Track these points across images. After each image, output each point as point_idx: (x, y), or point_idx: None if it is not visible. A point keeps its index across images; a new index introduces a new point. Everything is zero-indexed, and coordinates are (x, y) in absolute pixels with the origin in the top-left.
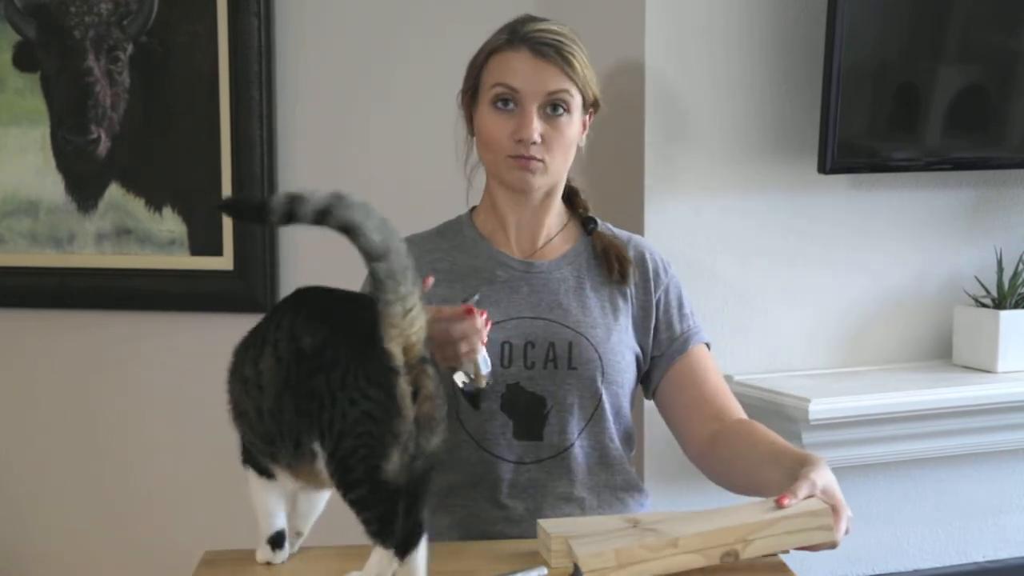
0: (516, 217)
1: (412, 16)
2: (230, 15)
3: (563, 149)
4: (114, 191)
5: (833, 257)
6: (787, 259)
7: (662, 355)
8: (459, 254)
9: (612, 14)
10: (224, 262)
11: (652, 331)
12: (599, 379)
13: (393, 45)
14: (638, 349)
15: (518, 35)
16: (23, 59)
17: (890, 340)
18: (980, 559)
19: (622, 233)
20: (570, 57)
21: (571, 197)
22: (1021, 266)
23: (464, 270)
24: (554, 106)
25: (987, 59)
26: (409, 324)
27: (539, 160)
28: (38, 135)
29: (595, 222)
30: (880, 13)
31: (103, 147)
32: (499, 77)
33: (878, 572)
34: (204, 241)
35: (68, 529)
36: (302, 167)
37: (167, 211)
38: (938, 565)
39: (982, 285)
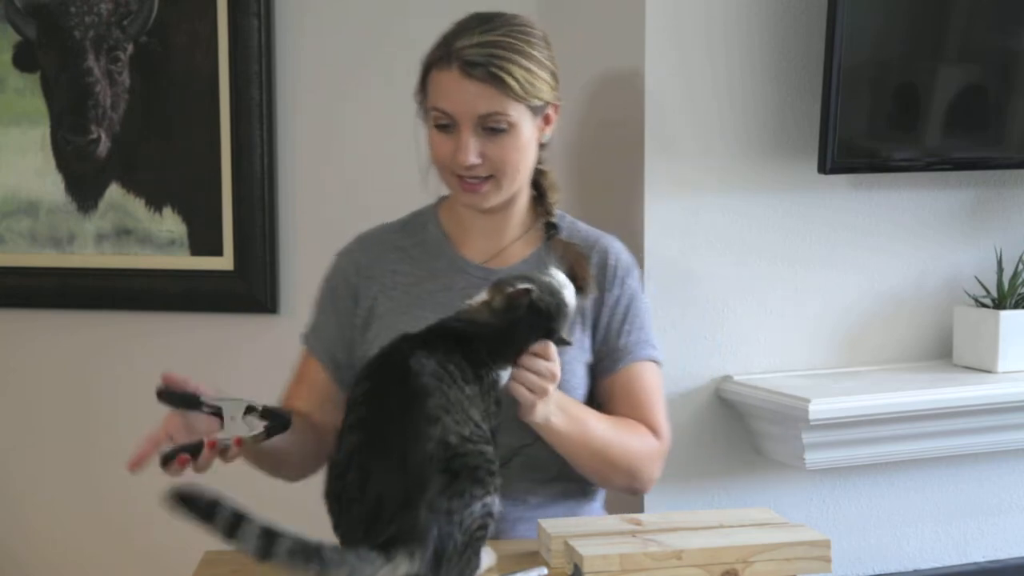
0: (476, 224)
1: (412, 16)
2: (230, 15)
3: (511, 162)
4: (114, 191)
5: (833, 257)
6: (787, 259)
7: (597, 364)
8: (421, 252)
9: (612, 13)
10: (224, 262)
11: (594, 336)
12: None
13: (393, 45)
14: (590, 357)
15: (450, 51)
16: (23, 59)
17: (890, 340)
18: (980, 559)
19: (591, 233)
20: (502, 75)
21: (540, 196)
22: (1021, 266)
23: (423, 275)
24: (492, 127)
25: (987, 59)
26: None
27: (485, 178)
28: (38, 135)
29: (556, 228)
30: (880, 13)
31: (103, 147)
32: (435, 100)
33: (878, 572)
34: (204, 241)
35: (68, 529)
36: (302, 167)
37: (167, 211)
38: (938, 565)
39: (982, 285)
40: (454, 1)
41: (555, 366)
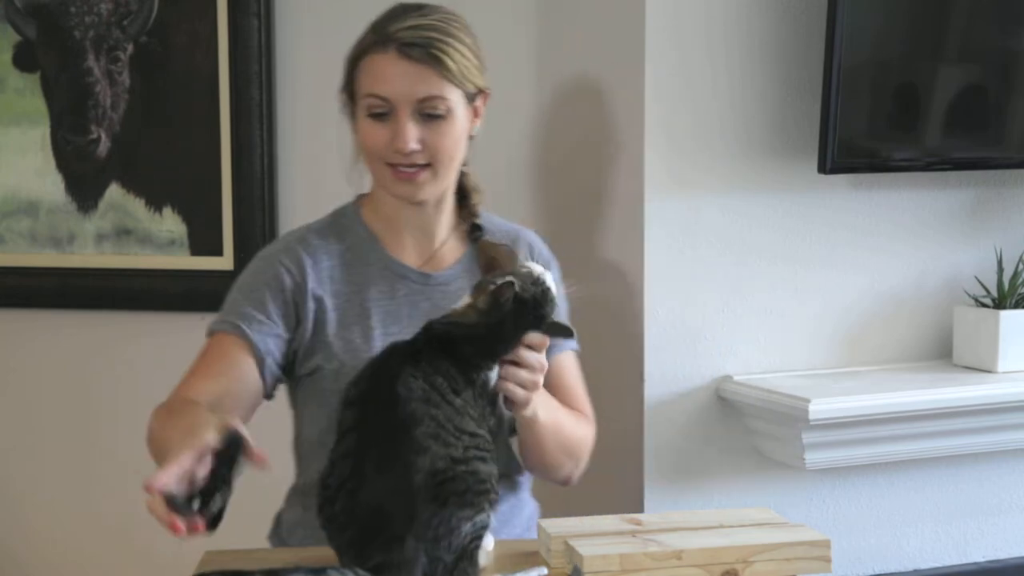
0: (406, 222)
1: None
2: (230, 15)
3: (448, 151)
4: (114, 191)
5: (833, 257)
6: (787, 259)
7: None
8: (354, 257)
9: (612, 13)
10: (224, 262)
11: None
12: None
13: None
14: None
15: (385, 35)
16: (23, 59)
17: (890, 340)
18: (980, 559)
19: (511, 228)
20: (441, 56)
21: (463, 197)
22: (1021, 266)
23: (362, 282)
24: (429, 112)
25: (987, 59)
26: None
27: (423, 166)
28: (38, 135)
29: (481, 229)
30: (880, 13)
31: (103, 147)
32: (370, 86)
33: (878, 572)
34: (204, 241)
35: (68, 529)
36: (302, 167)
37: (167, 211)
38: (938, 565)
39: (982, 285)
40: (452, 1)
41: (543, 357)
